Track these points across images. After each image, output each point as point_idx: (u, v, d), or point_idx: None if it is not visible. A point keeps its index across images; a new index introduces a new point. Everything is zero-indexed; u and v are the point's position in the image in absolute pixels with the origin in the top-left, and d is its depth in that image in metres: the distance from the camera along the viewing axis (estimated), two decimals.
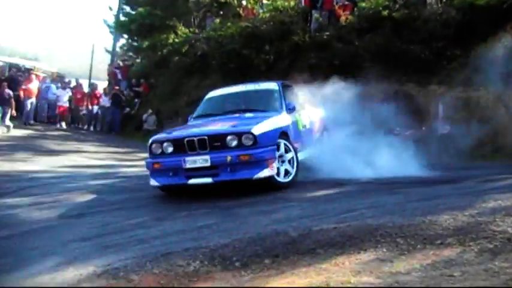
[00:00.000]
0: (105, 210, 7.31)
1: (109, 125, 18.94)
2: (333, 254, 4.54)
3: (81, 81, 21.64)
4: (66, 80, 22.49)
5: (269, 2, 18.96)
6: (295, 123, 8.70)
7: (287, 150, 7.76)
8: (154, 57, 20.55)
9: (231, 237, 5.24)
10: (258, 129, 7.26)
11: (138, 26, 20.86)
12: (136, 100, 19.42)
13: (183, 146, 7.31)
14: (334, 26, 15.59)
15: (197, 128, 7.84)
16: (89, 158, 12.41)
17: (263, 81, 10.09)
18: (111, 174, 10.10)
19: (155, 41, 20.07)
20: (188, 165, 7.23)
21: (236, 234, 5.34)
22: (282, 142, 7.68)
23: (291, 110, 8.65)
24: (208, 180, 7.26)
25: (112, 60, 24.33)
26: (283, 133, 7.84)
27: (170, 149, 7.44)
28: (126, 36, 25.44)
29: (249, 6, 19.51)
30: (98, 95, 19.53)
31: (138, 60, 24.01)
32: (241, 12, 19.37)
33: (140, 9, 21.05)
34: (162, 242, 5.48)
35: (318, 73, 11.88)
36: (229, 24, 18.38)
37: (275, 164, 7.37)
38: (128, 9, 25.00)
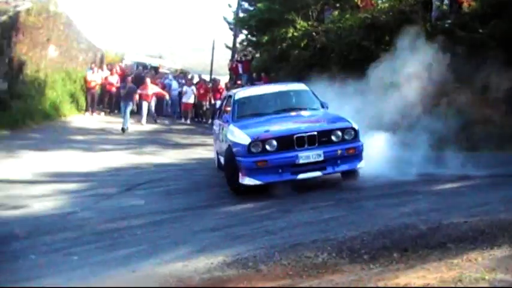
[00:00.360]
0: (231, 202, 7.52)
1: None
2: (464, 249, 4.41)
3: (203, 76, 22.30)
4: (189, 76, 23.28)
5: None
6: None
7: None
8: (274, 52, 20.68)
9: (358, 230, 5.22)
10: (355, 125, 7.75)
11: (258, 21, 21.12)
12: None
13: (290, 143, 7.41)
14: (456, 13, 14.97)
15: (277, 125, 7.93)
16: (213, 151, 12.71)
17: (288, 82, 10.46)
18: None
19: (274, 35, 20.17)
20: (301, 161, 7.38)
21: (364, 227, 5.32)
22: None
23: (328, 107, 9.03)
24: (318, 173, 7.55)
25: (233, 56, 24.85)
26: None
27: (274, 146, 7.43)
28: (245, 31, 25.90)
29: None
30: (221, 90, 19.99)
31: (258, 55, 24.34)
32: (359, 3, 19.06)
33: (259, 4, 21.28)
34: (289, 233, 5.56)
35: None
36: (347, 16, 18.12)
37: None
38: (246, 5, 25.48)
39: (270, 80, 19.83)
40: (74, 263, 5.41)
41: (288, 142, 7.40)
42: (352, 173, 7.92)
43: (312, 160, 7.40)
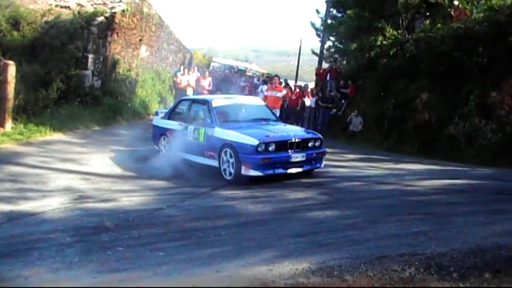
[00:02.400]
0: (317, 209, 7.49)
1: (315, 124, 19.26)
2: None
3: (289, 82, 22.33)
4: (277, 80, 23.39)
5: (483, 1, 17.92)
6: None
7: None
8: (362, 59, 20.52)
9: (448, 247, 5.09)
10: (320, 136, 10.45)
11: (346, 28, 20.98)
12: (343, 101, 19.56)
13: (284, 146, 9.63)
14: None
15: (272, 131, 10.04)
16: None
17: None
18: (320, 173, 10.29)
19: (363, 43, 20.01)
20: (293, 160, 9.65)
21: (454, 244, 5.18)
22: None
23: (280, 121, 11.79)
24: (300, 169, 9.79)
25: (320, 62, 24.75)
26: None
27: (273, 148, 9.53)
28: (332, 38, 25.78)
29: (461, 6, 18.63)
30: (300, 95, 19.87)
31: (344, 62, 24.18)
32: (452, 12, 18.57)
33: (349, 11, 21.12)
34: (375, 244, 5.49)
35: None
36: (439, 25, 17.70)
37: None
38: (334, 11, 25.34)
39: (356, 88, 19.69)
40: (159, 259, 5.54)
41: (283, 145, 9.65)
42: (311, 171, 10.19)
43: (298, 159, 9.72)
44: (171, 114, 11.81)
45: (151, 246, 5.95)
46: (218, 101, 11.15)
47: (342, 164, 12.09)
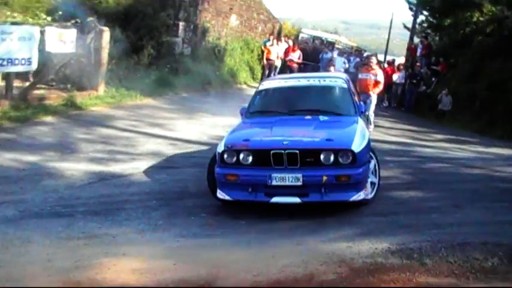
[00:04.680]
0: (400, 188, 7.37)
1: (401, 101, 18.88)
2: None
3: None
4: (364, 54, 23.06)
5: None
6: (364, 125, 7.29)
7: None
8: (456, 36, 19.85)
9: None
10: (356, 145, 6.00)
11: (441, 2, 20.29)
12: (433, 79, 19.02)
13: (267, 159, 5.97)
14: None
15: (275, 133, 6.44)
16: (384, 133, 12.51)
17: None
18: (406, 152, 10.08)
19: (458, 19, 19.33)
20: (275, 183, 5.92)
21: None
22: (374, 158, 6.65)
23: (363, 112, 7.58)
24: (296, 200, 5.94)
25: (411, 37, 24.08)
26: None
27: (250, 160, 6.09)
28: (426, 13, 24.98)
29: None
30: (392, 71, 19.43)
31: (437, 38, 23.45)
32: None
33: None
34: (458, 230, 5.39)
35: None
36: None
37: (369, 185, 6.27)
38: None
39: (448, 66, 19.08)
40: (241, 228, 5.70)
41: (264, 157, 5.99)
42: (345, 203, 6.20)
43: (288, 183, 5.90)
44: None
45: (234, 215, 6.11)
46: (272, 82, 8.64)
47: (429, 144, 11.80)
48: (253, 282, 4.30)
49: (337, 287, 3.79)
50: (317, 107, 7.31)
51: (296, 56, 20.16)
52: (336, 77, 8.27)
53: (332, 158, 5.87)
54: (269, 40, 20.47)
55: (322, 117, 6.97)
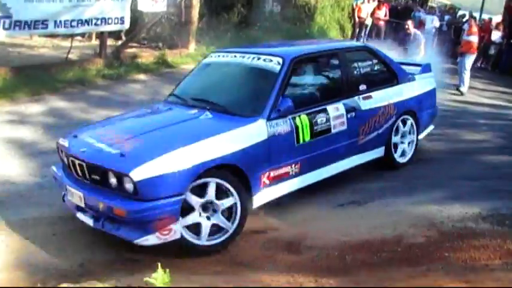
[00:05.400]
0: (492, 152, 7.20)
1: (497, 62, 18.01)
2: None
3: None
4: (460, 13, 22.02)
5: None
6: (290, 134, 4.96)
7: None
8: None
9: None
10: (146, 171, 4.08)
11: None
12: None
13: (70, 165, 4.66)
14: None
15: (106, 133, 4.83)
16: (477, 95, 12.02)
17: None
18: (500, 115, 9.64)
19: None
20: (68, 196, 4.67)
21: None
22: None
23: (280, 111, 4.88)
24: (90, 221, 4.47)
25: None
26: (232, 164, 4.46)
27: (65, 161, 4.78)
28: None
29: None
30: (489, 30, 18.48)
31: None
32: None
33: None
34: None
35: None
36: None
37: (175, 227, 4.18)
38: None
39: None
40: None
41: (68, 162, 4.68)
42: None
43: (74, 201, 4.57)
44: None
45: None
46: (216, 54, 6.14)
47: None
48: (342, 242, 4.36)
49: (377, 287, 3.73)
50: (216, 99, 5.19)
51: (382, 13, 19.45)
52: (279, 54, 5.40)
53: (115, 181, 4.21)
54: None
55: (203, 116, 4.92)
